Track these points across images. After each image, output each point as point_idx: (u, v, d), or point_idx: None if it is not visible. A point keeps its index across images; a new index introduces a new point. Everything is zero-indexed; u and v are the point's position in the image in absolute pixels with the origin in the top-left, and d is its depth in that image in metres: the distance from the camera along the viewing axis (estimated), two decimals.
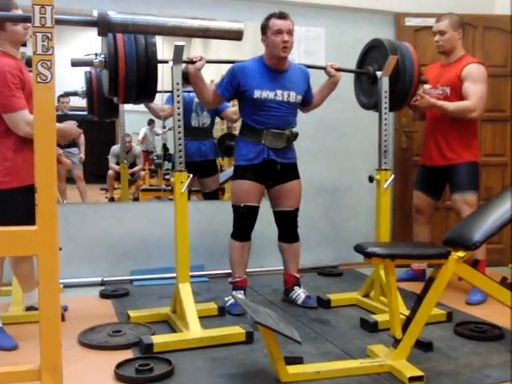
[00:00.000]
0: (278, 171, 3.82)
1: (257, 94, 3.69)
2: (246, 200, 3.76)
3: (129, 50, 3.20)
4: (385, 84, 3.78)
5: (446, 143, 4.16)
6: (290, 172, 3.89)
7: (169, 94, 3.77)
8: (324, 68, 3.94)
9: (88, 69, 4.26)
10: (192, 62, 3.49)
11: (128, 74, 3.21)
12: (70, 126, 3.43)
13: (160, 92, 3.55)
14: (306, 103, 3.96)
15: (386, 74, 3.78)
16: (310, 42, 5.03)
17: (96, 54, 3.30)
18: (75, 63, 3.49)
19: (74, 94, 4.40)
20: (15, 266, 3.44)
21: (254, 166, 3.76)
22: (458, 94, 4.06)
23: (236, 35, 2.91)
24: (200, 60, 3.50)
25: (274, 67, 3.75)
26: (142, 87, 3.29)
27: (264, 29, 3.72)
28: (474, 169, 4.15)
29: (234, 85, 3.71)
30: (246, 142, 3.80)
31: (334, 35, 5.10)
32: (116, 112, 4.71)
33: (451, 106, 4.03)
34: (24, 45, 3.72)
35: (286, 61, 3.78)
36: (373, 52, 3.99)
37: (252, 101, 3.72)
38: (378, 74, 3.83)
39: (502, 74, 5.09)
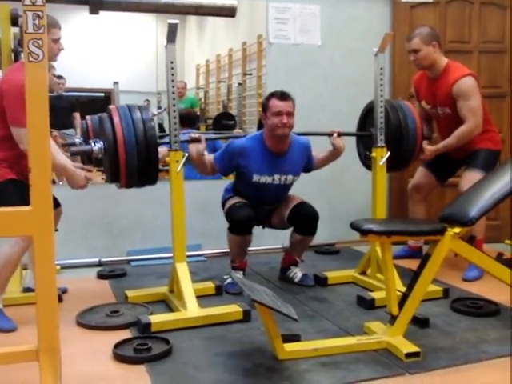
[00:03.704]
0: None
1: (255, 178, 3.74)
2: (240, 200, 3.81)
3: (128, 136, 3.18)
4: (381, 60, 3.76)
5: (459, 147, 4.12)
6: None
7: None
8: (329, 135, 3.87)
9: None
10: (194, 140, 3.52)
11: (128, 161, 3.20)
12: (79, 174, 3.33)
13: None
14: (306, 171, 3.99)
15: (382, 51, 3.75)
16: (305, 20, 4.99)
17: (95, 142, 3.27)
18: (75, 153, 3.53)
19: (72, 144, 4.29)
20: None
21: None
22: (457, 110, 4.01)
23: (229, 12, 2.89)
24: (200, 143, 3.51)
25: (275, 150, 3.74)
26: (144, 172, 3.29)
27: (264, 107, 3.70)
28: (491, 155, 4.11)
29: (233, 164, 3.75)
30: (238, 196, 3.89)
31: (329, 12, 5.05)
32: None
33: (453, 140, 4.00)
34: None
35: (286, 140, 3.75)
36: (373, 114, 3.87)
37: (249, 183, 3.76)
38: None
39: (499, 49, 5.07)
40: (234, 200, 3.82)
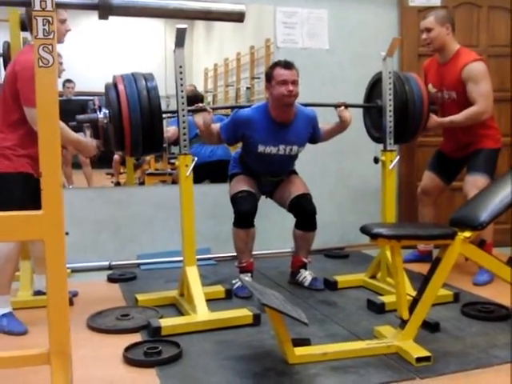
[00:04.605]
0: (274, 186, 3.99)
1: (261, 148, 3.77)
2: (244, 187, 3.83)
3: (132, 105, 3.22)
4: (389, 64, 3.75)
5: (462, 141, 4.13)
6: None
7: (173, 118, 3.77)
8: (336, 106, 3.88)
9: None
10: (201, 109, 3.55)
11: (133, 130, 3.23)
12: (92, 144, 3.52)
13: (164, 116, 3.53)
14: (312, 142, 4.01)
15: (390, 55, 3.74)
16: (312, 24, 5.00)
17: (100, 107, 3.33)
18: (81, 121, 3.54)
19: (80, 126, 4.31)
20: (32, 245, 3.56)
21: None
22: (464, 96, 3.99)
23: (238, 17, 2.88)
24: (208, 113, 3.56)
25: (279, 120, 3.75)
26: (149, 141, 3.31)
27: (269, 77, 3.72)
28: (492, 154, 4.10)
29: (239, 134, 3.78)
30: (244, 168, 3.96)
31: (336, 17, 5.06)
32: None
33: (460, 118, 3.98)
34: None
35: (292, 110, 3.76)
36: (379, 85, 3.87)
37: (255, 153, 3.79)
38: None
39: (507, 53, 5.05)
40: (239, 184, 3.86)
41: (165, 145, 5.54)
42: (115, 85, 3.29)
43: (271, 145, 3.76)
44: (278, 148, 3.78)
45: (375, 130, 4.06)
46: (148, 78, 3.34)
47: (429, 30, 4.04)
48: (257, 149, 3.76)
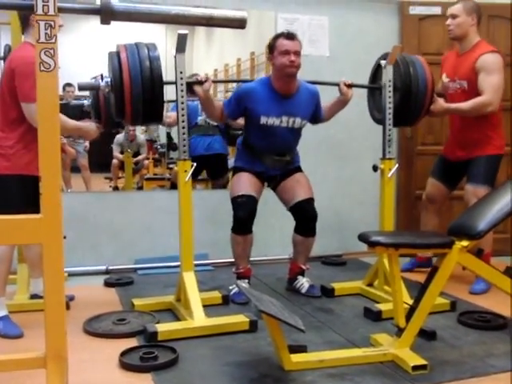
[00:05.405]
0: (277, 179, 3.94)
1: (263, 120, 3.73)
2: (243, 189, 3.79)
3: (134, 73, 3.22)
4: (389, 73, 3.76)
5: (467, 138, 4.12)
6: (292, 170, 3.97)
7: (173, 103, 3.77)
8: (337, 84, 3.89)
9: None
10: (199, 82, 3.51)
11: (134, 97, 3.24)
12: (92, 127, 3.53)
13: (164, 102, 3.54)
14: (314, 121, 3.99)
15: (390, 63, 3.75)
16: (313, 31, 5.02)
17: (102, 76, 3.33)
18: (82, 87, 3.53)
19: (81, 105, 4.31)
20: (26, 249, 3.55)
21: (254, 171, 3.87)
22: (475, 87, 3.98)
23: (239, 23, 2.90)
24: (206, 81, 3.51)
25: (282, 92, 3.75)
26: (149, 110, 3.32)
27: (271, 48, 3.71)
28: (493, 162, 4.08)
29: (241, 107, 3.76)
30: (247, 155, 3.91)
31: (337, 24, 5.08)
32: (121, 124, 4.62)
33: (465, 106, 3.96)
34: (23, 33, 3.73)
35: (294, 82, 3.76)
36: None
37: (257, 126, 3.76)
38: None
39: (507, 63, 5.03)
40: (240, 185, 3.83)
41: (163, 150, 5.58)
42: (118, 53, 3.30)
43: (274, 116, 3.73)
44: (280, 119, 3.75)
45: (378, 111, 4.05)
46: (151, 47, 3.34)
47: (454, 17, 4.04)
48: (259, 120, 3.73)
